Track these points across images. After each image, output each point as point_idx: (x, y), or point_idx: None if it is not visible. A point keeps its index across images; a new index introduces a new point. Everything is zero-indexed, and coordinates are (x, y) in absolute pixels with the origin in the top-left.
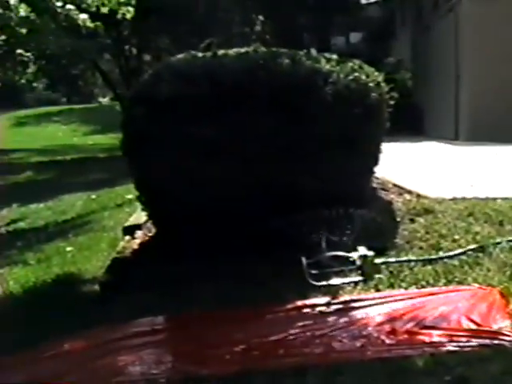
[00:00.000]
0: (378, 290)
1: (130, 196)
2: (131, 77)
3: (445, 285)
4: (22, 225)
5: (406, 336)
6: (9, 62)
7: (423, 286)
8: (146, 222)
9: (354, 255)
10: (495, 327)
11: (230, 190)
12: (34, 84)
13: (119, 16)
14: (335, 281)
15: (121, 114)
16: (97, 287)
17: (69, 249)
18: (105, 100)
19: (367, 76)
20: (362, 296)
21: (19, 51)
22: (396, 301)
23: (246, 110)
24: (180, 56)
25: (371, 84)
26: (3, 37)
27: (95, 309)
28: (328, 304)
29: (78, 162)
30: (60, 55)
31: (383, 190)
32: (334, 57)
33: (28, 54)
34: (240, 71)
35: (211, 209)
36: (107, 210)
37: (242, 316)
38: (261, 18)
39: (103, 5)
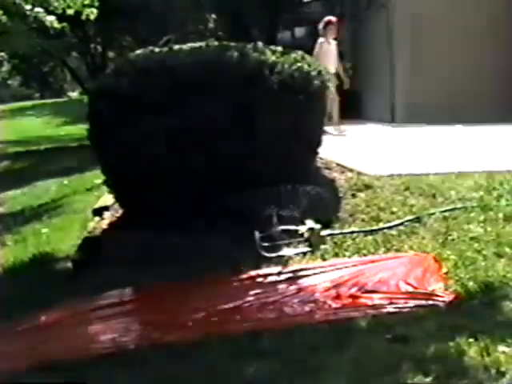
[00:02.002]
0: (324, 260)
1: (98, 181)
2: (97, 72)
3: (384, 253)
4: (0, 210)
5: (350, 300)
6: None
7: (365, 255)
8: (113, 203)
9: (301, 228)
10: (430, 289)
11: (188, 173)
12: (9, 81)
13: (84, 17)
14: (285, 252)
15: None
16: (70, 264)
17: (44, 230)
18: (74, 94)
19: (309, 65)
20: (310, 265)
21: None
22: (340, 269)
23: (199, 100)
24: (139, 51)
25: (313, 73)
26: None
27: (69, 284)
28: (279, 273)
29: (51, 151)
30: (31, 54)
31: (327, 168)
32: (279, 49)
33: (2, 53)
34: (193, 64)
35: (171, 189)
36: (78, 194)
37: (202, 286)
38: (213, 16)
39: (69, 7)
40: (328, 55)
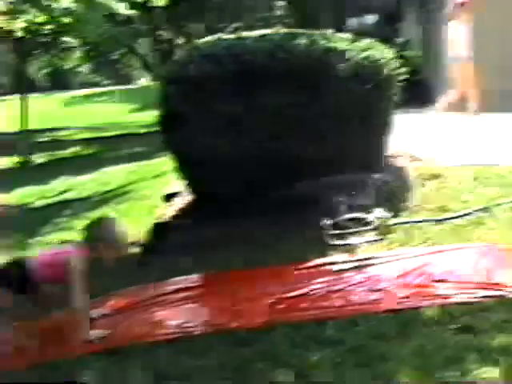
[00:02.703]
0: (391, 249)
1: (166, 167)
2: (165, 59)
3: (452, 243)
4: (69, 195)
5: (416, 289)
6: (55, 48)
7: (433, 244)
8: (181, 190)
9: (369, 217)
10: (498, 280)
11: (256, 160)
12: (79, 68)
13: (153, 4)
14: (352, 240)
15: (157, 93)
16: (138, 250)
17: (113, 216)
18: (143, 81)
19: (379, 53)
20: (377, 254)
21: (64, 39)
22: (408, 258)
23: (267, 88)
24: (207, 38)
25: (382, 61)
26: (49, 26)
27: (136, 269)
28: (346, 262)
29: (119, 137)
30: (100, 41)
31: (395, 157)
32: (348, 36)
33: (73, 41)
34: (260, 51)
35: (239, 176)
36: (146, 180)
37: (268, 273)
38: (282, 2)
39: None
40: (460, 40)
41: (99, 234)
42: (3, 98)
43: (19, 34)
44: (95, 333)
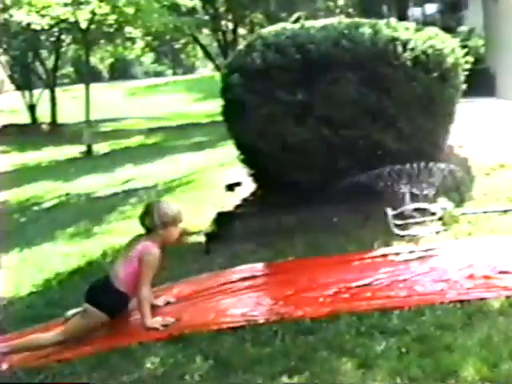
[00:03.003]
0: (456, 239)
1: (229, 156)
2: (228, 49)
3: None
4: (134, 184)
5: (482, 280)
6: (119, 39)
7: (499, 235)
8: (245, 179)
9: (434, 207)
10: None
11: (319, 149)
12: (142, 58)
13: None
14: (417, 231)
15: (220, 83)
16: (203, 238)
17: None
18: (205, 71)
19: (443, 43)
20: (442, 244)
21: (128, 29)
22: (473, 248)
23: (331, 77)
24: (271, 28)
25: (447, 50)
26: (113, 17)
27: (201, 257)
28: (411, 252)
29: (183, 127)
30: (163, 31)
31: (460, 146)
32: (412, 25)
33: (136, 31)
34: (325, 40)
35: (303, 165)
36: (210, 169)
37: (332, 263)
38: None
39: None
40: None
41: (156, 219)
42: (68, 88)
43: (83, 24)
44: (160, 320)
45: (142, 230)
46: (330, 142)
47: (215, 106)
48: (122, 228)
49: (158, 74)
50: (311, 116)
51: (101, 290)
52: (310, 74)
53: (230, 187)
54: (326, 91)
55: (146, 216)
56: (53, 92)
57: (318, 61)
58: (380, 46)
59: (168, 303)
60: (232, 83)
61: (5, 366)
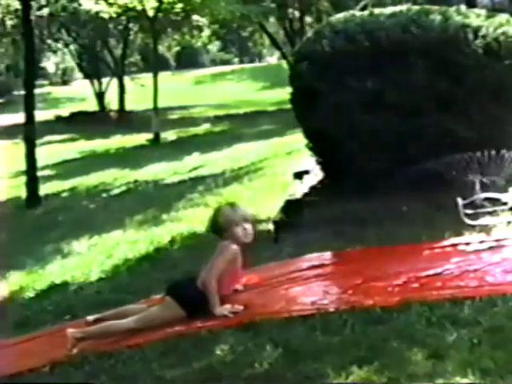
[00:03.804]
0: None
1: (297, 144)
2: (295, 37)
3: None
4: (202, 171)
5: None
6: (186, 27)
7: None
8: (313, 167)
9: (505, 196)
10: None
11: (388, 137)
12: (208, 46)
13: None
14: (488, 220)
15: (287, 71)
16: (271, 226)
17: (245, 192)
18: (272, 59)
19: None
20: None
21: (194, 17)
22: None
23: (401, 64)
24: (339, 15)
25: None
26: (180, 5)
27: (269, 246)
28: (481, 242)
29: (250, 115)
30: (230, 20)
31: None
32: (483, 12)
33: (202, 19)
34: (394, 27)
35: (372, 153)
36: (277, 157)
37: (402, 252)
38: None
39: None
40: None
41: (218, 223)
42: (136, 76)
43: (151, 12)
44: (229, 307)
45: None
46: (399, 130)
47: (282, 94)
48: (190, 215)
49: (224, 62)
50: (381, 103)
51: (185, 287)
52: (379, 61)
53: (298, 175)
54: (396, 78)
55: (210, 224)
56: (121, 80)
57: (387, 48)
58: (450, 33)
59: (236, 291)
60: (301, 71)
61: (75, 351)
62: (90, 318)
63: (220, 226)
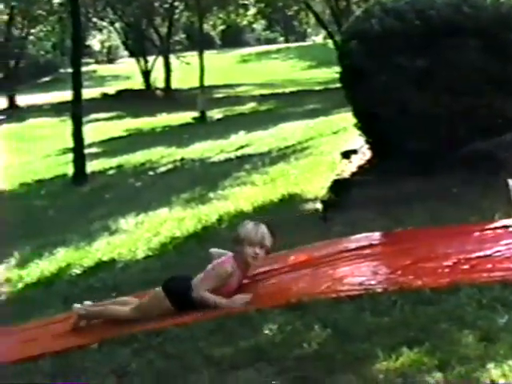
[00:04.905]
0: None
1: (344, 124)
2: (341, 16)
3: None
4: (248, 150)
5: None
6: (231, 5)
7: None
8: (361, 146)
9: None
10: None
11: (439, 117)
12: (254, 25)
13: None
14: None
15: (333, 50)
16: (318, 206)
17: (292, 171)
18: (318, 38)
19: None
20: None
21: None
22: None
23: (452, 44)
24: None
25: None
26: None
27: (317, 225)
28: None
29: (295, 94)
30: None
31: None
32: None
33: None
34: (445, 6)
35: (421, 133)
36: (324, 136)
37: (451, 233)
38: None
39: None
40: None
41: (237, 233)
42: (181, 54)
43: None
44: (239, 298)
45: (257, 195)
46: (450, 110)
47: (328, 73)
48: (237, 194)
49: (269, 41)
50: (431, 83)
51: (178, 283)
52: (430, 41)
53: (346, 154)
54: (447, 58)
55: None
56: (166, 58)
57: (438, 27)
58: (503, 12)
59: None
60: (350, 50)
61: (83, 324)
62: (88, 302)
63: (236, 238)
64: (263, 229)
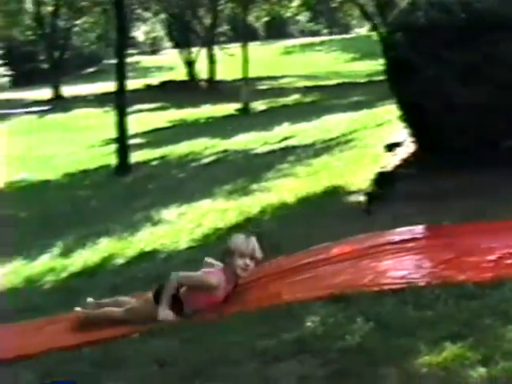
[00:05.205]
0: None
1: (388, 116)
2: (386, 8)
3: None
4: (292, 142)
5: None
6: None
7: None
8: (405, 139)
9: None
10: None
11: (484, 111)
12: (297, 17)
13: None
14: None
15: (377, 43)
16: (362, 198)
17: (336, 164)
18: (362, 31)
19: None
20: None
21: None
22: None
23: (497, 37)
24: None
25: None
26: None
27: (361, 217)
28: None
29: (339, 86)
30: None
31: None
32: None
33: None
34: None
35: (467, 127)
36: (368, 129)
37: (495, 228)
38: None
39: None
40: None
41: (227, 246)
42: (224, 46)
43: None
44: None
45: (301, 187)
46: (496, 104)
47: (372, 65)
48: (280, 186)
49: (313, 33)
50: (477, 76)
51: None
52: (475, 33)
53: (390, 147)
54: (493, 51)
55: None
56: (210, 50)
57: (484, 19)
58: None
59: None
60: (395, 42)
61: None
62: (91, 300)
63: (226, 250)
64: (254, 241)
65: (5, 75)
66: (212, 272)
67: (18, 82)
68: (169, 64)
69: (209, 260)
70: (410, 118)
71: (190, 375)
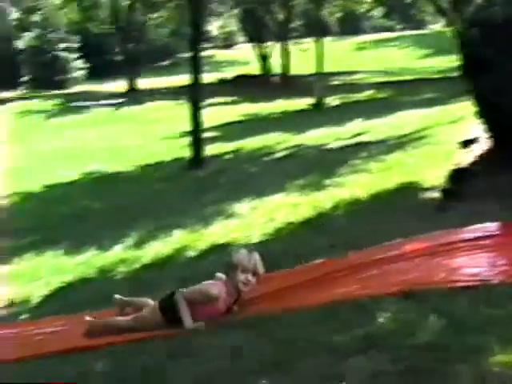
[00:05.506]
0: None
1: (461, 113)
2: (460, 4)
3: None
4: (364, 138)
5: None
6: None
7: None
8: (480, 136)
9: None
10: None
11: None
12: (371, 13)
13: None
14: None
15: (450, 39)
16: (436, 195)
17: (409, 160)
18: (436, 27)
19: None
20: None
21: None
22: None
23: None
24: None
25: None
26: None
27: (434, 214)
28: None
29: (412, 82)
30: None
31: None
32: None
33: None
34: None
35: None
36: (441, 125)
37: None
38: None
39: None
40: None
41: (230, 260)
42: (298, 41)
43: None
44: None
45: (373, 183)
46: None
47: (446, 62)
48: (353, 181)
49: (386, 29)
50: None
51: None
52: None
53: (465, 144)
54: None
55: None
56: (284, 45)
57: None
58: None
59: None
60: (471, 38)
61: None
62: (118, 296)
63: (230, 264)
64: (256, 256)
65: (81, 68)
66: (213, 283)
67: (94, 75)
68: (242, 58)
69: (219, 275)
70: (486, 114)
71: (269, 367)
